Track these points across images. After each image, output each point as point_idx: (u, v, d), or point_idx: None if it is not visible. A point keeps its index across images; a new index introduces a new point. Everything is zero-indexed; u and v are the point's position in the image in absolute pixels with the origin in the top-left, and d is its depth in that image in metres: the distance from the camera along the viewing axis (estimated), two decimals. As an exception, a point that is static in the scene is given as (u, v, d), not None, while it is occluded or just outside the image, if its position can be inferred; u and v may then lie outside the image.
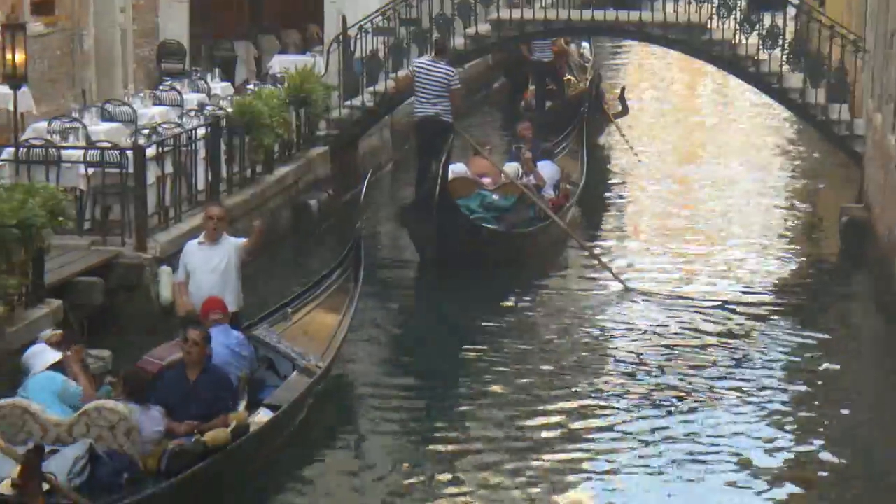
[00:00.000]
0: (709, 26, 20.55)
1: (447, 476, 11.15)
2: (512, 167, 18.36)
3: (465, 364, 14.12)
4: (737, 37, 20.40)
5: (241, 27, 25.84)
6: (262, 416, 10.77)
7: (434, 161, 16.50)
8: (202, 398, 10.32)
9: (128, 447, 9.63)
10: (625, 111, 26.53)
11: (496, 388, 13.27)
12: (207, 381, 10.43)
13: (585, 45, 29.99)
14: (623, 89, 27.52)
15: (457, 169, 17.45)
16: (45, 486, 8.64)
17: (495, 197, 17.72)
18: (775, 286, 17.20)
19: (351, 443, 12.13)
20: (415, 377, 13.81)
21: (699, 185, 23.54)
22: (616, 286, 16.54)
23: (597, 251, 17.84)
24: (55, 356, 10.46)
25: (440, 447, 11.78)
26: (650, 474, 11.24)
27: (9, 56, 15.91)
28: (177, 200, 15.21)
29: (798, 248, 19.39)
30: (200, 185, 15.93)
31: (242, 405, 10.80)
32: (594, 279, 17.08)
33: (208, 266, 12.00)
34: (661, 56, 36.34)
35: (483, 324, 15.38)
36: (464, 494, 10.79)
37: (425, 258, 17.00)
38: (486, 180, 18.14)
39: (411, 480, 11.05)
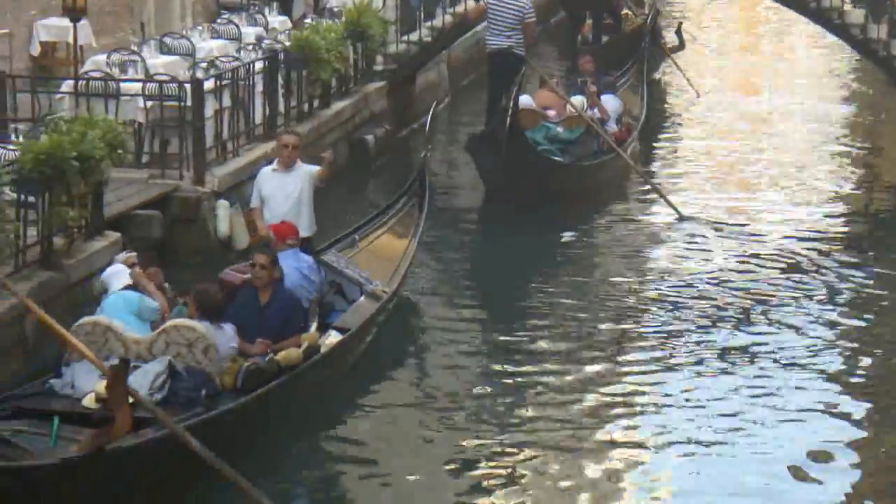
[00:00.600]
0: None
1: (506, 400, 11.27)
2: (577, 100, 18.29)
3: (525, 293, 14.18)
4: (798, -28, 20.12)
5: (298, -39, 25.70)
6: (332, 338, 10.98)
7: (505, 93, 16.43)
8: (273, 320, 10.55)
9: (206, 364, 9.83)
10: (681, 46, 26.43)
11: (556, 317, 13.31)
12: (278, 304, 10.67)
13: None
14: (680, 24, 27.36)
15: (522, 101, 17.29)
16: (129, 399, 8.78)
17: (560, 129, 17.79)
18: (832, 224, 17.03)
19: (416, 366, 12.41)
20: (477, 304, 13.97)
21: (758, 121, 23.35)
22: (676, 219, 16.59)
23: (657, 184, 17.81)
24: (128, 277, 10.65)
25: (500, 370, 11.91)
26: (698, 406, 11.20)
27: (68, -12, 15.93)
28: (234, 134, 15.21)
29: (858, 185, 19.23)
30: (258, 119, 15.91)
31: (314, 327, 11.03)
32: (655, 212, 17.10)
33: (283, 192, 12.26)
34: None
35: (545, 254, 15.47)
36: (523, 421, 10.87)
37: (491, 188, 17.01)
38: (551, 113, 18.16)
39: (471, 403, 11.22)
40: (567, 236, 16.13)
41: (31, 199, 11.04)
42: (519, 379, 11.72)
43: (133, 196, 13.50)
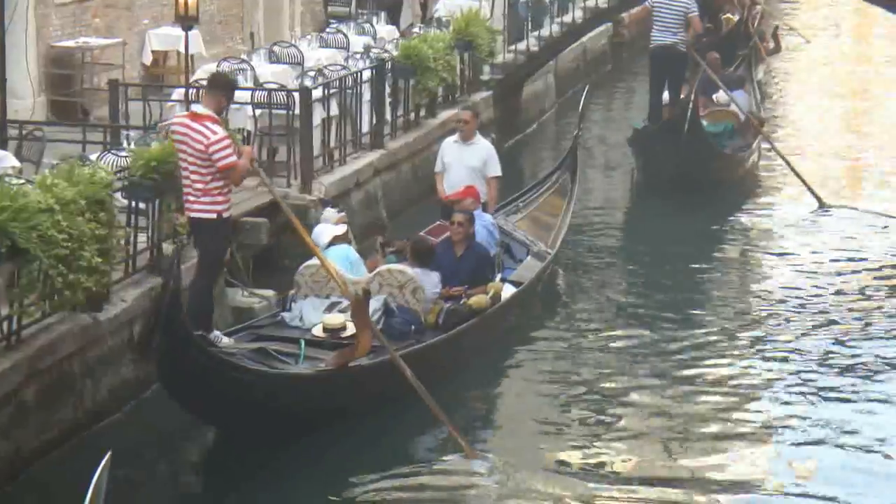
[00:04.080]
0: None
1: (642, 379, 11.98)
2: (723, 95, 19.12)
3: (676, 274, 15.10)
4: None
5: (407, -30, 25.84)
6: (507, 289, 12.46)
7: (669, 88, 18.06)
8: (466, 270, 12.06)
9: (413, 304, 11.36)
10: (777, 49, 26.77)
11: (699, 296, 14.37)
12: (471, 257, 12.17)
13: None
14: (776, 27, 27.52)
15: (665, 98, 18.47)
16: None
17: (704, 123, 18.34)
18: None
19: (570, 318, 13.66)
20: (626, 271, 15.40)
21: (852, 125, 23.52)
22: (817, 207, 17.44)
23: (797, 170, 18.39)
24: (337, 230, 12.08)
25: (641, 339, 12.94)
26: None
27: (181, -3, 16.08)
28: (341, 143, 15.31)
29: None
30: (365, 128, 16.01)
31: (498, 277, 12.50)
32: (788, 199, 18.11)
33: (462, 162, 13.63)
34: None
35: (694, 237, 16.40)
36: (658, 404, 11.40)
37: (662, 178, 17.68)
38: None
39: (614, 361, 12.42)
40: (721, 224, 17.11)
41: (142, 205, 11.19)
42: (655, 363, 12.38)
43: (241, 203, 13.56)
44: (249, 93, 14.73)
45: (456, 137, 13.96)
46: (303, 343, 10.71)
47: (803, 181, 17.91)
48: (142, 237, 11.26)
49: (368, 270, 11.85)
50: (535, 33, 21.04)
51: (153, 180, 11.07)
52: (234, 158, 10.55)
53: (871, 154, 21.27)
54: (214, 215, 10.60)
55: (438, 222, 12.86)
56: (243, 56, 16.91)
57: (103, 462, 7.00)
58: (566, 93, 24.18)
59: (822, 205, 17.47)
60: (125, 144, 12.55)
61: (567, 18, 21.22)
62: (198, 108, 10.82)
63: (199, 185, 10.53)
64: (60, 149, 12.73)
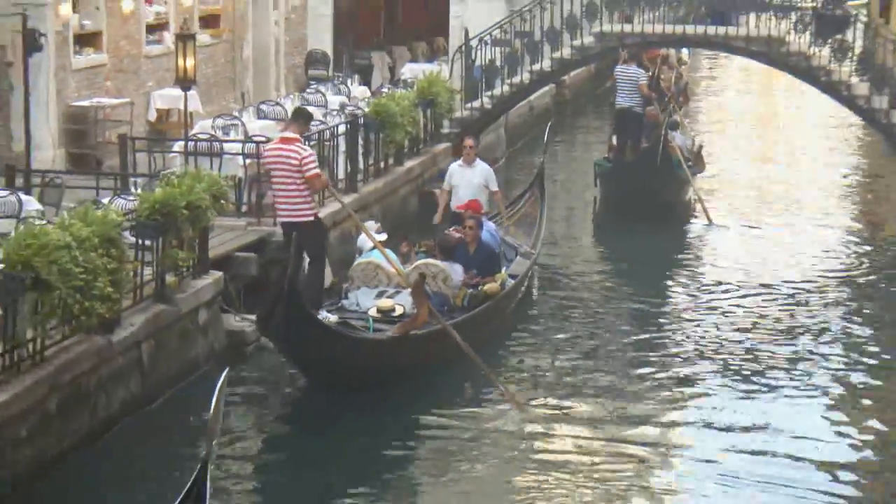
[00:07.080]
0: (787, 40, 20.33)
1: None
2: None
3: (640, 273, 16.42)
4: (811, 49, 20.17)
5: (377, 39, 26.13)
6: (508, 280, 13.64)
7: (630, 139, 19.69)
8: (478, 264, 13.21)
9: (444, 289, 12.61)
10: (686, 101, 27.52)
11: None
12: (481, 253, 13.36)
13: (685, 50, 30.29)
14: (686, 83, 28.19)
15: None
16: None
17: None
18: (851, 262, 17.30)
19: (548, 308, 14.95)
20: (594, 272, 16.78)
21: (761, 163, 24.39)
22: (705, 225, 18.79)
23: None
24: (379, 237, 13.02)
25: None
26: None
27: (181, 62, 16.19)
28: (320, 188, 15.40)
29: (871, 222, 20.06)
30: (340, 175, 16.15)
31: (504, 270, 13.69)
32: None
33: (468, 183, 14.67)
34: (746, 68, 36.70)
35: (659, 253, 17.48)
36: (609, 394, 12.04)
37: (634, 201, 18.44)
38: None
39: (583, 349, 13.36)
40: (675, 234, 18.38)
41: (148, 242, 11.31)
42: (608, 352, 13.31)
43: (233, 240, 13.72)
44: (240, 145, 14.90)
45: (461, 162, 14.90)
46: (371, 319, 11.93)
47: (701, 203, 19.18)
48: (147, 270, 11.35)
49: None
50: (489, 93, 21.25)
51: (157, 220, 11.19)
52: (318, 170, 12.18)
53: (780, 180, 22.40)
54: (312, 217, 12.13)
55: (453, 228, 13.84)
56: (235, 113, 17.05)
57: (222, 378, 6.96)
58: (516, 144, 24.39)
59: (710, 223, 18.77)
60: (133, 190, 12.67)
61: (516, 80, 21.42)
62: (286, 133, 12.18)
63: (296, 193, 11.92)
64: (77, 194, 12.83)
